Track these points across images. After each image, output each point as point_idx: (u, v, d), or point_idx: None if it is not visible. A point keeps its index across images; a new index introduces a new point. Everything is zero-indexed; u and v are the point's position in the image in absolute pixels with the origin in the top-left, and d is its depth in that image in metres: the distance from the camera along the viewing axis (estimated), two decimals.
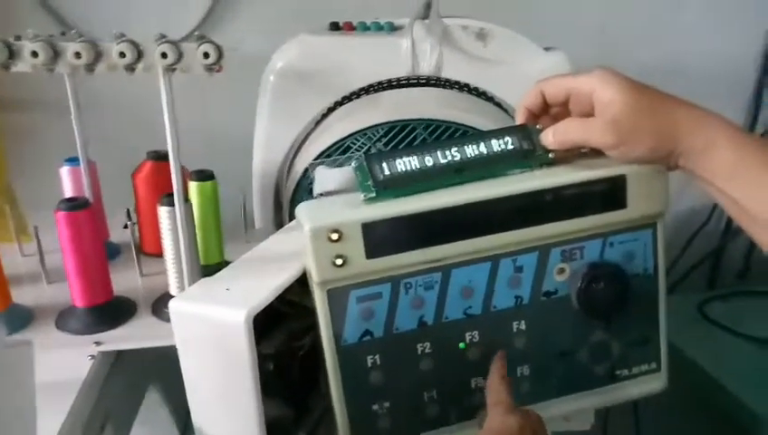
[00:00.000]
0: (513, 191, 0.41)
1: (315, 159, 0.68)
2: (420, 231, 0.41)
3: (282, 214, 0.77)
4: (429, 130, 0.67)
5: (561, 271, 0.44)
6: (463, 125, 0.66)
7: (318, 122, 0.73)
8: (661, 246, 0.45)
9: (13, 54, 0.44)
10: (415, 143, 0.68)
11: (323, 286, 0.41)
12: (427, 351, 0.43)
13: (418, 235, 0.41)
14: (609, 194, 0.43)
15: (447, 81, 0.72)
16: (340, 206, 0.42)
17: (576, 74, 0.43)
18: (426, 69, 0.70)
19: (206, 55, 0.45)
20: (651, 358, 0.47)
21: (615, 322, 0.45)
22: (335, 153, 0.67)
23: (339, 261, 0.40)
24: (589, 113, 0.43)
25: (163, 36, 0.45)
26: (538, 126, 0.44)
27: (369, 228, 0.40)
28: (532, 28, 0.73)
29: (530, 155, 0.44)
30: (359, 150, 0.71)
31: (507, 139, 0.44)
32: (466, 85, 0.72)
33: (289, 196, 0.72)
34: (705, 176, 0.41)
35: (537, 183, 0.42)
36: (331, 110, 0.72)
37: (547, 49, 0.73)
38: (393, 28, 0.72)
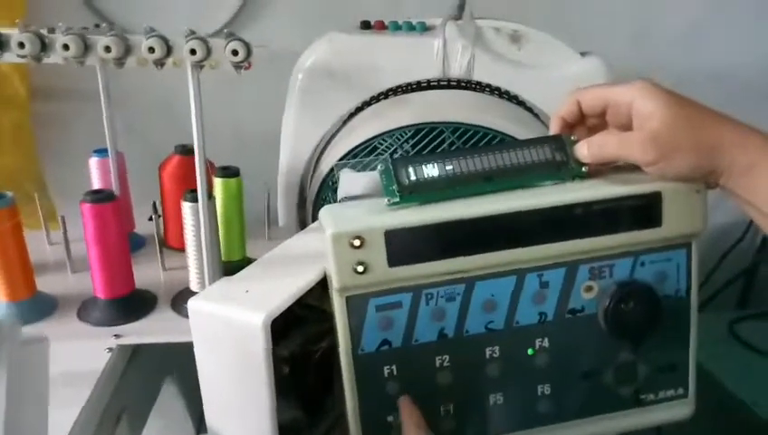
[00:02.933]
0: (543, 204, 0.40)
1: (341, 158, 0.67)
2: (445, 241, 0.40)
3: (305, 212, 0.76)
4: (458, 133, 0.66)
5: (589, 289, 0.42)
6: (492, 130, 0.65)
7: (345, 121, 0.72)
8: (695, 267, 0.43)
9: (45, 47, 0.44)
10: (443, 147, 0.67)
11: (343, 293, 0.40)
12: (445, 364, 0.42)
13: (443, 245, 0.40)
14: (644, 211, 0.41)
15: (478, 83, 0.70)
16: (364, 211, 0.41)
17: (615, 85, 0.42)
18: (456, 71, 0.69)
19: (234, 53, 0.44)
20: (679, 383, 0.45)
21: (643, 344, 0.43)
22: (361, 153, 0.67)
23: (360, 268, 0.39)
24: (626, 126, 0.41)
25: (192, 32, 0.45)
26: (573, 137, 0.43)
27: (391, 236, 0.39)
28: (567, 32, 0.71)
29: (562, 167, 0.42)
30: (385, 151, 0.71)
31: (540, 149, 0.42)
32: (497, 89, 0.71)
33: (313, 194, 0.72)
34: (747, 196, 0.39)
35: (568, 196, 0.40)
36: (358, 109, 0.71)
37: (583, 54, 0.71)
38: (425, 28, 0.70)
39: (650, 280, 0.43)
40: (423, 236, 0.39)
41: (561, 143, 0.43)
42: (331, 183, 0.70)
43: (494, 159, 0.42)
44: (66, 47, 0.43)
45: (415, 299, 0.41)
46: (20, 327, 0.33)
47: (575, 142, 0.43)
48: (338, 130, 0.72)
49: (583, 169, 0.42)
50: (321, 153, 0.73)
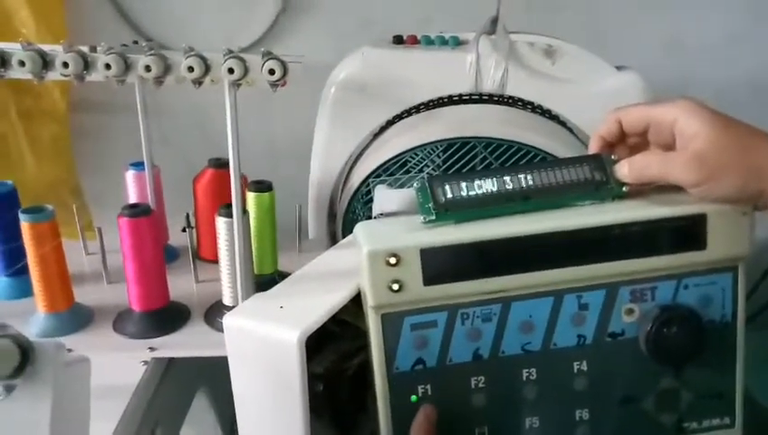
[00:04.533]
0: (582, 224, 0.39)
1: (373, 172, 0.67)
2: (481, 260, 0.39)
3: (335, 224, 0.76)
4: (490, 148, 0.65)
5: (630, 312, 0.41)
6: (526, 145, 0.64)
7: (376, 135, 0.72)
8: (742, 291, 0.42)
9: (87, 66, 0.45)
10: (474, 162, 0.67)
11: (378, 310, 0.40)
12: (480, 385, 0.41)
13: (479, 264, 0.39)
14: (687, 233, 0.40)
15: (511, 98, 0.70)
16: (400, 229, 0.40)
17: (657, 104, 0.41)
18: (489, 86, 0.69)
19: (271, 72, 0.45)
20: (725, 411, 0.43)
21: (686, 370, 0.42)
22: (393, 167, 0.67)
23: (395, 286, 0.39)
24: (669, 145, 0.40)
25: (230, 51, 0.46)
26: (613, 156, 0.42)
27: (427, 254, 0.39)
28: (600, 44, 0.70)
29: (602, 187, 0.41)
30: (416, 166, 0.70)
31: (579, 168, 0.41)
32: (531, 103, 0.70)
33: (343, 207, 0.72)
34: None
35: (609, 217, 0.39)
36: (390, 123, 0.71)
37: (619, 68, 0.70)
38: (458, 43, 0.70)
39: (694, 304, 0.41)
40: (459, 255, 0.39)
41: (600, 163, 0.42)
42: (361, 196, 0.70)
43: (532, 178, 0.41)
44: (108, 66, 0.44)
45: (450, 318, 0.40)
46: (65, 349, 0.33)
47: (615, 162, 0.42)
48: (369, 144, 0.72)
49: (624, 189, 0.41)
50: (352, 166, 0.73)
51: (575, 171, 0.41)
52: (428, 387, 0.41)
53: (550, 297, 0.40)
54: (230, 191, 0.54)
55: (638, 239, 0.40)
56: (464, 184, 0.41)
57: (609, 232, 0.39)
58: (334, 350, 0.47)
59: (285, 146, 0.93)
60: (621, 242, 0.40)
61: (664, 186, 0.42)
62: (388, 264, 0.38)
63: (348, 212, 0.71)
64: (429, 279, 0.39)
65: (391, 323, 0.40)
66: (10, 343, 0.30)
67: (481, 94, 0.69)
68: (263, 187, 0.65)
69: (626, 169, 0.41)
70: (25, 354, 0.30)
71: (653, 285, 0.41)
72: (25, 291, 0.64)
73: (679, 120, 0.39)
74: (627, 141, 0.44)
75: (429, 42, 0.71)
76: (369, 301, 0.40)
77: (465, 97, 0.70)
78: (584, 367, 0.42)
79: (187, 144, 0.94)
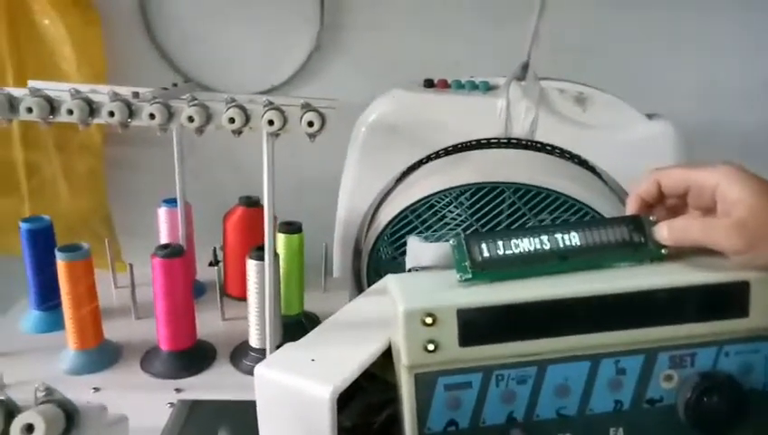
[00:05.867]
0: (622, 288, 0.39)
1: (400, 213, 0.67)
2: (519, 322, 0.39)
3: (360, 262, 0.76)
4: (519, 193, 0.65)
5: (669, 378, 0.40)
6: (555, 191, 0.64)
7: (404, 175, 0.72)
8: None
9: (132, 114, 0.46)
10: (502, 207, 0.66)
11: (412, 370, 0.40)
12: None
13: (516, 326, 0.39)
14: (730, 301, 0.39)
15: (540, 143, 0.70)
16: (436, 286, 0.40)
17: (698, 167, 0.40)
18: (519, 131, 0.69)
19: (310, 124, 0.45)
20: None
21: None
22: (420, 209, 0.67)
23: (431, 346, 0.38)
24: (709, 208, 0.40)
25: (270, 103, 0.46)
26: (651, 217, 0.42)
27: (464, 315, 0.38)
28: (632, 90, 0.70)
29: (641, 248, 0.41)
30: (444, 208, 0.70)
31: (617, 228, 0.41)
32: (560, 149, 0.70)
33: (369, 246, 0.72)
34: None
35: (649, 281, 0.39)
36: (418, 164, 0.72)
37: (650, 116, 0.69)
38: (488, 88, 0.71)
39: (735, 371, 0.40)
40: (496, 317, 0.39)
41: (639, 224, 0.41)
42: (387, 237, 0.70)
43: (569, 238, 0.41)
44: (152, 116, 0.45)
45: (485, 380, 0.40)
46: (107, 411, 0.33)
47: (654, 223, 0.41)
48: (396, 185, 0.73)
49: (663, 251, 0.41)
50: (379, 206, 0.73)
51: (613, 232, 0.41)
52: None
53: (587, 361, 0.40)
54: (260, 230, 0.55)
55: (679, 305, 0.39)
56: (500, 242, 0.41)
57: (650, 297, 0.39)
58: (362, 403, 0.47)
59: (312, 181, 0.93)
60: (662, 307, 0.39)
61: (702, 249, 0.41)
62: (425, 323, 0.38)
63: (373, 251, 0.71)
64: (466, 340, 0.38)
65: (425, 383, 0.40)
66: (56, 409, 0.30)
67: (510, 139, 0.69)
68: (293, 228, 0.65)
69: (665, 232, 0.40)
70: (71, 419, 0.31)
71: (693, 352, 0.40)
72: (56, 325, 0.65)
73: (721, 185, 0.38)
74: (665, 202, 0.43)
75: (460, 86, 0.71)
76: (404, 360, 0.39)
77: (494, 141, 0.70)
78: (621, 434, 0.41)
79: (218, 180, 0.95)
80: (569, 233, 0.41)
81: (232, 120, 0.45)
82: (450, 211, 0.69)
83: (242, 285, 0.64)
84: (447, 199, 0.69)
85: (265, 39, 0.93)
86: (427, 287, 0.40)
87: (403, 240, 0.66)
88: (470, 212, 0.67)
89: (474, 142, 0.70)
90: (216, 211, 0.79)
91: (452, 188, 0.66)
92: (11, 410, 0.30)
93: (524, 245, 0.41)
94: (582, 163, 0.70)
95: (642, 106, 0.69)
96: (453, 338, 0.38)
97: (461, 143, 0.70)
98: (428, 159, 0.71)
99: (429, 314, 0.38)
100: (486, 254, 0.40)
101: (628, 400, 0.40)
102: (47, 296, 0.66)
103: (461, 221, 0.67)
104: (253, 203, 0.74)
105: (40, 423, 0.29)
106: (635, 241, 0.41)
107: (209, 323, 0.68)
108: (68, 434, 0.31)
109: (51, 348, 0.63)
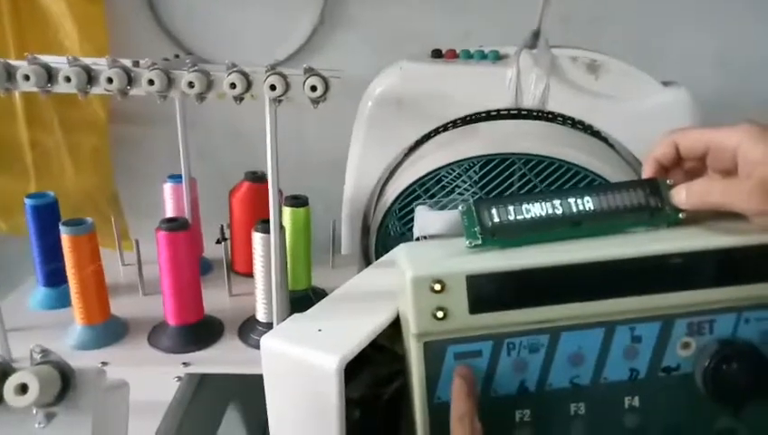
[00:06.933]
0: (637, 253, 0.37)
1: (408, 187, 0.66)
2: (530, 289, 0.38)
3: (368, 239, 0.75)
4: (530, 165, 0.63)
5: (686, 345, 0.39)
6: (566, 162, 0.62)
7: (412, 150, 0.71)
8: None
9: (131, 81, 0.45)
10: (513, 179, 0.65)
11: (420, 338, 0.39)
12: (525, 419, 0.39)
13: (528, 292, 0.38)
14: (751, 265, 0.37)
15: (551, 113, 0.68)
16: (444, 253, 0.39)
17: (717, 127, 0.39)
18: (530, 101, 0.67)
19: (313, 88, 0.44)
20: None
21: (746, 409, 0.39)
22: (428, 183, 0.65)
23: (440, 314, 0.37)
24: (730, 171, 0.38)
25: (272, 67, 0.45)
26: (668, 181, 0.40)
27: (474, 281, 0.37)
28: (647, 59, 0.68)
29: (657, 213, 0.39)
30: (452, 183, 0.69)
31: (633, 193, 0.39)
32: (572, 119, 0.68)
33: (377, 223, 0.71)
34: None
35: (665, 246, 0.37)
36: (426, 138, 0.70)
37: (666, 83, 0.67)
38: (498, 57, 0.69)
39: (755, 338, 0.39)
40: (507, 283, 0.37)
41: (656, 187, 0.40)
42: (395, 212, 0.69)
43: (582, 203, 0.39)
44: (151, 82, 0.44)
45: (496, 348, 0.39)
46: (105, 374, 0.33)
47: (671, 187, 0.40)
48: (404, 159, 0.71)
49: (680, 215, 0.39)
50: (387, 181, 0.72)
51: (629, 196, 0.40)
52: None
53: (601, 328, 0.39)
54: (266, 205, 0.54)
55: (698, 270, 0.37)
56: (511, 208, 0.39)
57: (667, 261, 0.37)
58: (370, 374, 0.46)
59: (319, 158, 0.92)
60: (679, 272, 0.37)
61: (721, 212, 0.40)
62: (433, 290, 0.37)
63: (381, 227, 0.70)
64: (475, 307, 0.37)
65: (434, 351, 0.39)
66: (52, 370, 0.29)
67: (519, 109, 0.67)
68: (299, 202, 0.64)
69: (684, 196, 0.39)
70: (66, 381, 0.30)
71: (711, 318, 0.39)
72: (63, 301, 0.65)
73: (742, 145, 0.37)
74: (683, 165, 0.42)
75: (468, 56, 0.69)
76: (412, 328, 0.38)
77: (503, 112, 0.68)
78: (636, 403, 0.40)
79: (223, 155, 0.95)
80: (582, 197, 0.39)
81: (233, 86, 0.44)
82: (459, 185, 0.68)
83: (249, 262, 0.63)
84: (456, 172, 0.68)
85: (270, 13, 0.92)
86: (436, 254, 0.39)
87: (411, 215, 0.65)
88: (479, 185, 0.66)
89: (483, 114, 0.69)
90: (223, 191, 0.79)
91: (461, 161, 0.64)
92: (6, 371, 0.30)
93: (536, 210, 0.39)
94: (595, 133, 0.68)
95: (657, 74, 0.67)
96: (462, 305, 0.37)
97: (470, 115, 0.69)
98: (436, 131, 0.70)
99: (438, 281, 0.37)
100: (497, 219, 0.39)
101: (643, 368, 0.39)
102: (53, 272, 0.66)
103: (470, 195, 0.66)
104: (258, 178, 0.73)
105: (34, 383, 0.28)
106: (651, 205, 0.40)
107: (217, 299, 0.68)
108: (64, 396, 0.30)
109: (59, 324, 0.63)
